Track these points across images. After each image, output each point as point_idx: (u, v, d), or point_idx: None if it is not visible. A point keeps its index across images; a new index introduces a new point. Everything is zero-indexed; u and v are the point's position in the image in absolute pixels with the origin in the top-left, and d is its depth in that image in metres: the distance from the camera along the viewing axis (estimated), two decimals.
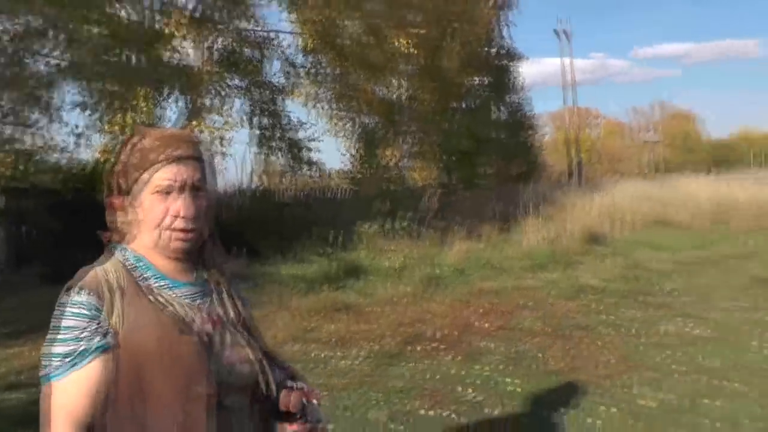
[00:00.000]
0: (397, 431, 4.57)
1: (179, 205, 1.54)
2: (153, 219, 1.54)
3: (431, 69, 18.30)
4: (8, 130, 12.10)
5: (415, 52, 14.46)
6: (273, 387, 1.67)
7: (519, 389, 5.27)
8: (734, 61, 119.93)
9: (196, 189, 1.57)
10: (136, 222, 1.58)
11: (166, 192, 1.53)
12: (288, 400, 1.66)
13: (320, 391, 1.76)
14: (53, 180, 12.54)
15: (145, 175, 1.53)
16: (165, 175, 1.53)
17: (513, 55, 25.89)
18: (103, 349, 1.44)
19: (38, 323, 7.11)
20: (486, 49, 22.53)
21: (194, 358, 1.49)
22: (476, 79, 22.49)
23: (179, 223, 1.55)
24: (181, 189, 1.55)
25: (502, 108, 25.74)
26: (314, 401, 1.71)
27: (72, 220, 11.54)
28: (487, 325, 7.32)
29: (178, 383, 1.46)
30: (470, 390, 5.31)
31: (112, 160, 1.60)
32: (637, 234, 13.82)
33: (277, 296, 8.50)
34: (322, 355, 6.49)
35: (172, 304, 1.55)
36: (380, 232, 10.90)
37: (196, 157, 1.59)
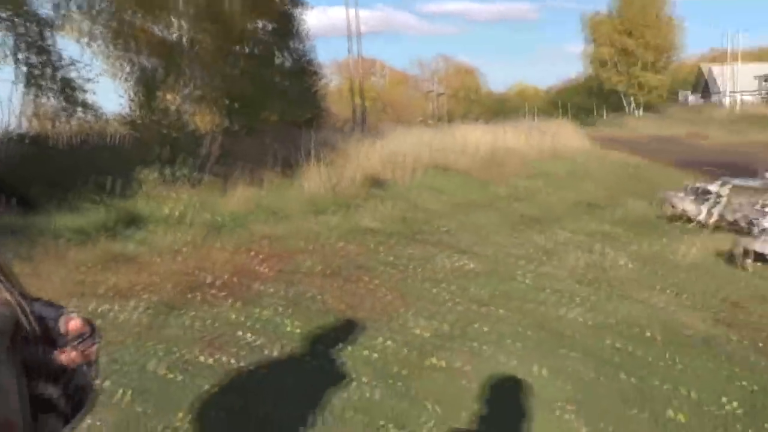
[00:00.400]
0: (176, 381, 4.46)
1: None
2: None
3: (213, 11, 17.73)
4: None
5: None
6: (35, 324, 1.60)
7: (298, 330, 5.33)
8: (513, 21, 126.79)
9: None
10: None
11: None
12: (69, 321, 1.63)
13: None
14: None
15: None
16: None
17: (297, 2, 25.73)
18: None
19: None
20: None
21: None
22: (260, 23, 22.08)
23: None
24: None
25: (286, 54, 25.58)
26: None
27: None
28: (267, 269, 7.32)
29: None
30: (249, 334, 5.31)
31: None
32: (417, 179, 14.33)
33: (51, 248, 7.90)
34: (99, 310, 6.16)
35: None
36: (160, 179, 10.47)
37: None
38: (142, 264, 7.78)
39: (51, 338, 1.63)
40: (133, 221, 9.57)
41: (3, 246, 6.11)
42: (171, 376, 4.56)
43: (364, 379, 4.22)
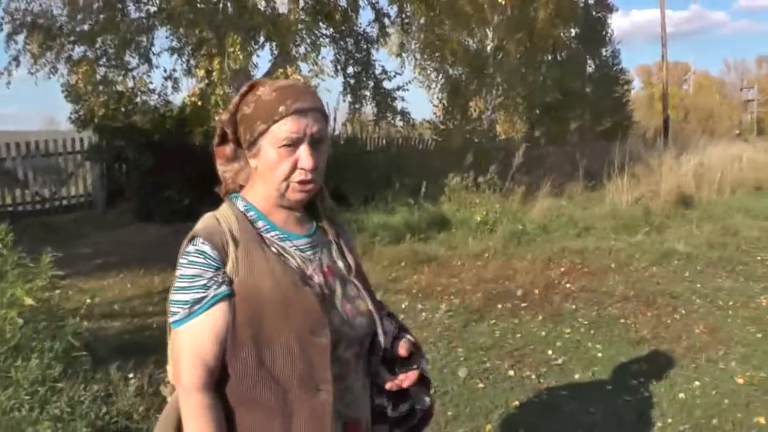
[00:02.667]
0: (478, 388, 4.64)
1: (304, 157, 1.55)
2: (279, 172, 1.56)
3: (520, 20, 17.95)
4: (105, 72, 12.52)
5: (504, 2, 14.14)
6: (388, 339, 1.73)
7: (600, 354, 5.27)
8: None
9: (319, 141, 1.59)
10: (253, 172, 1.63)
11: (291, 145, 1.55)
12: (402, 346, 1.73)
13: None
14: (145, 120, 12.92)
15: (274, 128, 1.53)
16: (291, 127, 1.53)
17: (605, 6, 25.13)
18: (224, 296, 1.50)
19: (129, 257, 7.51)
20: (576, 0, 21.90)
21: (314, 308, 1.53)
22: (566, 30, 21.91)
23: (303, 176, 1.57)
24: (305, 141, 1.56)
25: (591, 61, 25.13)
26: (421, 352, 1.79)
27: (161, 160, 11.93)
28: (570, 284, 7.28)
29: (299, 331, 1.51)
30: (551, 351, 5.36)
31: (230, 109, 1.62)
32: (727, 198, 13.35)
33: (361, 244, 8.60)
34: (403, 306, 6.61)
35: (292, 256, 1.61)
36: (464, 184, 10.85)
37: (317, 108, 1.59)
38: (448, 267, 8.17)
39: (387, 357, 1.74)
40: (441, 224, 10.05)
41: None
42: (473, 382, 4.75)
43: (681, 428, 4.00)
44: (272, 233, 1.61)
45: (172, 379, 1.64)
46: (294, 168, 1.56)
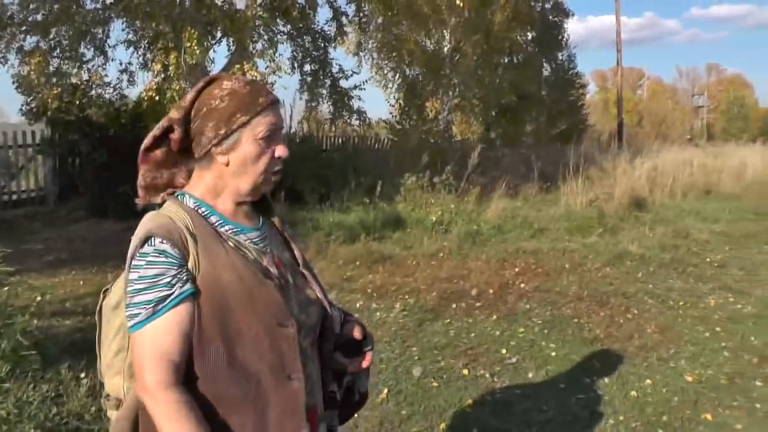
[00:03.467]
0: (432, 386, 4.61)
1: (282, 148, 1.59)
2: (260, 164, 1.58)
3: (477, 22, 18.05)
4: (59, 64, 12.25)
5: (461, 4, 14.20)
6: (335, 324, 1.76)
7: (554, 353, 5.29)
8: None
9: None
10: (208, 169, 1.59)
11: (270, 137, 1.57)
12: (356, 330, 1.75)
13: None
14: (99, 114, 12.67)
15: (257, 119, 1.54)
16: (271, 119, 1.56)
17: (561, 11, 25.42)
18: (188, 294, 1.47)
19: (81, 254, 7.31)
20: (534, 3, 22.12)
21: (278, 299, 1.55)
22: (523, 34, 22.12)
23: (278, 165, 1.61)
24: (281, 131, 1.62)
25: (547, 65, 25.39)
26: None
27: (116, 155, 11.71)
28: (524, 285, 7.33)
29: (266, 323, 1.51)
30: (505, 350, 5.36)
31: (184, 106, 1.57)
32: (680, 202, 13.60)
33: (316, 242, 8.56)
34: (357, 305, 6.57)
35: (248, 249, 1.59)
36: (420, 184, 10.85)
37: (280, 101, 1.63)
38: (403, 266, 8.15)
39: (338, 342, 1.76)
40: (396, 224, 10.03)
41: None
42: (426, 381, 4.72)
43: (633, 425, 4.03)
44: (226, 227, 1.60)
45: (114, 392, 1.62)
46: (272, 159, 1.59)
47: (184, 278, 1.47)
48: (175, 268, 1.47)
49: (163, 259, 1.47)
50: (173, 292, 1.46)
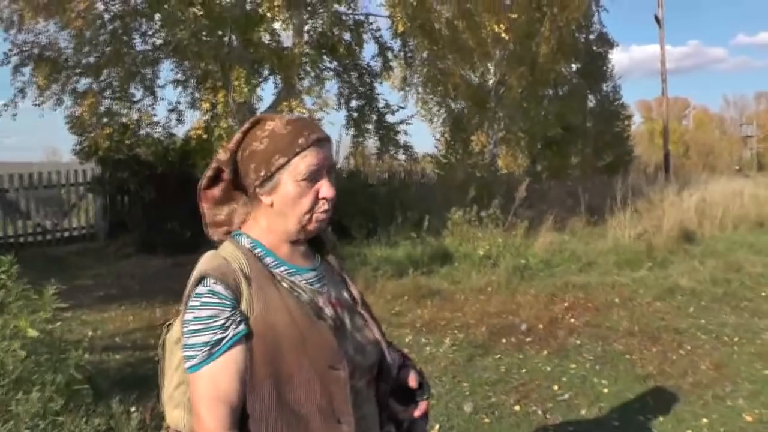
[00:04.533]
0: (483, 422, 4.61)
1: (327, 188, 1.58)
2: (303, 205, 1.57)
3: (522, 54, 18.08)
4: (110, 104, 12.60)
5: (507, 36, 14.24)
6: (394, 367, 1.75)
7: (606, 390, 5.25)
8: None
9: (334, 170, 1.62)
10: (260, 210, 1.62)
11: (313, 178, 1.56)
12: (412, 377, 1.74)
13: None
14: (148, 153, 12.97)
15: (295, 160, 1.53)
16: (312, 160, 1.54)
17: (606, 42, 25.30)
18: (243, 335, 1.48)
19: (130, 289, 7.48)
20: (578, 35, 22.06)
21: (330, 341, 1.54)
22: (567, 65, 22.06)
23: (325, 206, 1.59)
24: (325, 171, 1.59)
25: (592, 96, 25.25)
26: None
27: (164, 192, 11.97)
28: (574, 320, 7.27)
29: (318, 365, 1.51)
30: (557, 387, 5.34)
31: (230, 147, 1.60)
32: (730, 234, 13.33)
33: (364, 278, 8.60)
34: (407, 340, 6.58)
35: (303, 290, 1.60)
36: (467, 218, 10.85)
37: (329, 138, 1.61)
38: (451, 301, 8.16)
39: (394, 387, 1.75)
40: (444, 258, 10.04)
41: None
42: (478, 417, 4.72)
43: None
44: (281, 268, 1.60)
45: (174, 424, 1.63)
46: (316, 199, 1.58)
47: (238, 320, 1.49)
48: (229, 309, 1.48)
49: (217, 300, 1.48)
50: (227, 335, 1.47)
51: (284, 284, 1.58)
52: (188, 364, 1.50)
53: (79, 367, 4.04)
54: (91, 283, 9.48)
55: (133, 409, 4.24)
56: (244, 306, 1.51)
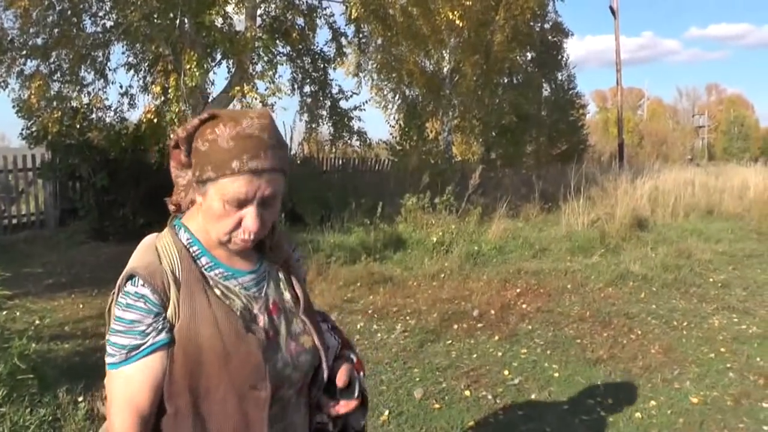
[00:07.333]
0: (434, 408, 4.56)
1: (249, 220, 1.43)
2: (222, 225, 1.45)
3: (477, 42, 18.12)
4: (59, 88, 12.25)
5: (461, 24, 14.22)
6: (330, 357, 1.68)
7: (557, 374, 5.24)
8: None
9: (271, 199, 1.45)
10: (197, 205, 1.52)
11: (238, 204, 1.42)
12: (341, 375, 1.65)
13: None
14: (100, 138, 12.66)
15: (223, 181, 1.39)
16: (240, 188, 1.39)
17: (561, 31, 25.51)
18: (163, 344, 1.43)
19: (81, 277, 7.28)
20: (533, 24, 22.20)
21: (256, 360, 1.47)
22: (522, 54, 22.19)
23: (245, 236, 1.46)
24: (254, 203, 1.43)
25: (547, 85, 25.45)
26: (361, 373, 1.74)
27: (117, 178, 11.70)
28: (526, 305, 7.28)
29: (238, 384, 1.45)
30: (508, 372, 5.31)
31: (188, 129, 1.47)
32: (681, 222, 13.55)
33: (317, 264, 8.52)
34: (358, 327, 6.52)
35: (237, 296, 1.53)
36: (421, 205, 10.82)
37: (275, 168, 1.43)
38: (404, 287, 8.10)
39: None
40: (397, 245, 10.00)
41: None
42: (428, 402, 4.67)
43: None
44: (216, 271, 1.52)
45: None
46: (238, 225, 1.45)
47: (160, 327, 1.43)
48: (152, 316, 1.43)
49: (141, 305, 1.42)
50: (146, 342, 1.42)
51: (217, 290, 1.50)
52: (107, 359, 1.46)
53: (23, 357, 3.93)
54: (41, 270, 9.20)
55: (80, 398, 4.16)
56: (170, 312, 1.45)
